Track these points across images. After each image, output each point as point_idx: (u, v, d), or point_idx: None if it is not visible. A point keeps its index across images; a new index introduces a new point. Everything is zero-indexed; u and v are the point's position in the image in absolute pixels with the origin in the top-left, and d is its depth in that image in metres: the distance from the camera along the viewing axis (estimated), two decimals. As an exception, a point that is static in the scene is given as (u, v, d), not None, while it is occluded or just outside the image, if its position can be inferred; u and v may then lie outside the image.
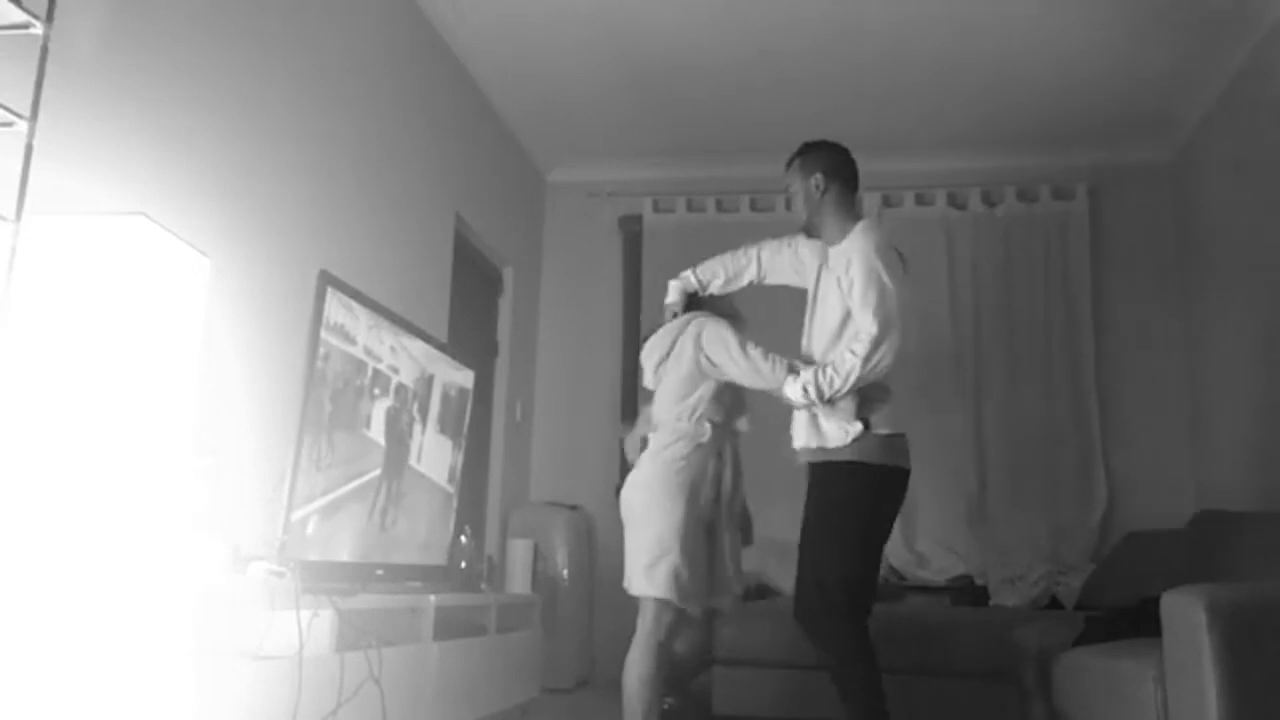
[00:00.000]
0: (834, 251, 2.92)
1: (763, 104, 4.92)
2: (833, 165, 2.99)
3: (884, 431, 2.79)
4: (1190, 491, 4.81)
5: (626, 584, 2.87)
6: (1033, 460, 5.03)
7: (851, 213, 3.01)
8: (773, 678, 3.94)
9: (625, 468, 5.53)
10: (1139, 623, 2.70)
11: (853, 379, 2.72)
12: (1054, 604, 4.44)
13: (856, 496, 2.77)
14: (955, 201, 5.36)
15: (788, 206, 3.10)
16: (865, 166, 5.35)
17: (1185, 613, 2.05)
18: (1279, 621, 2.02)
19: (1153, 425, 5.04)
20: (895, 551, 4.91)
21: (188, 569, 2.13)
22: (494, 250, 5.12)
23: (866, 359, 2.72)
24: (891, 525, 2.91)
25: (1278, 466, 4.04)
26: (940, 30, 4.23)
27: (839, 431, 2.79)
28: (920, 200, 5.38)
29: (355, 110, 3.63)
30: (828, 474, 2.82)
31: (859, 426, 2.76)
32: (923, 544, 4.98)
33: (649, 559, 2.82)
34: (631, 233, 5.67)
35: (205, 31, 2.80)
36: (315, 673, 2.23)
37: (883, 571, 4.73)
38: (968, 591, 4.64)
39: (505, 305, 5.32)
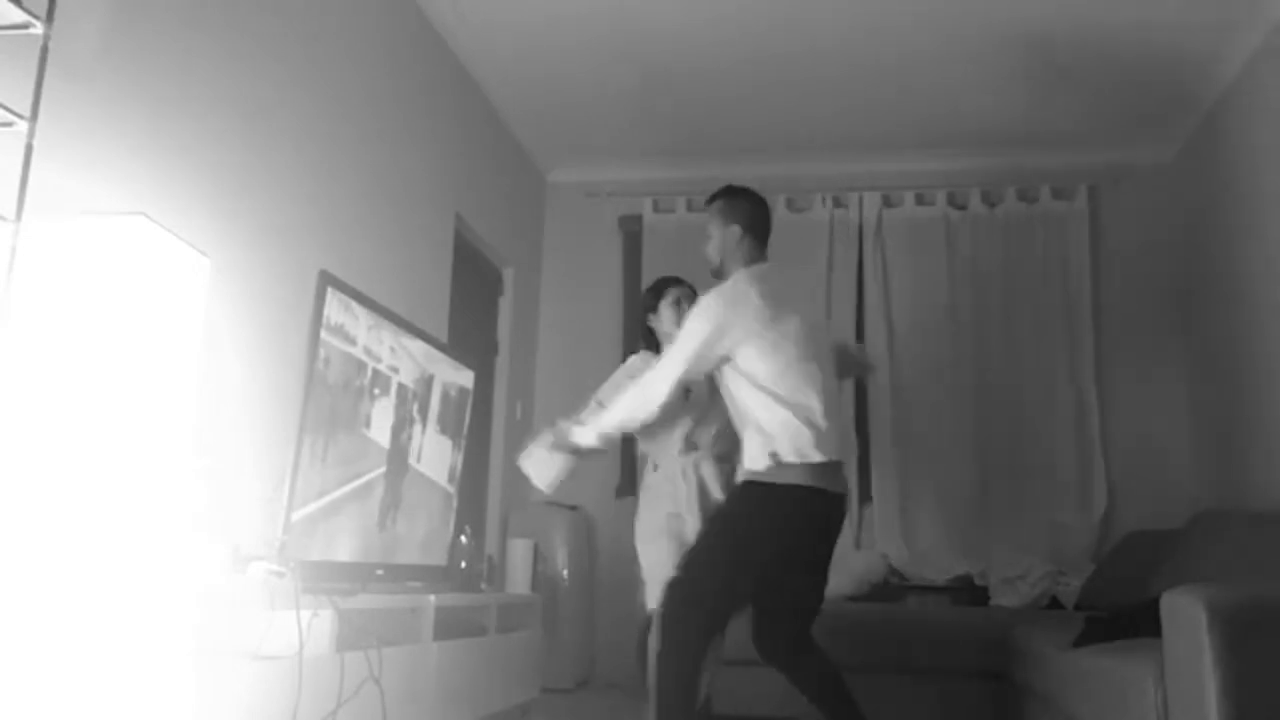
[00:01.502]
0: None
1: (763, 104, 4.92)
2: (751, 219, 2.96)
3: (792, 460, 2.71)
4: (1190, 491, 4.81)
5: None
6: (1033, 460, 5.03)
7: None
8: (773, 678, 3.93)
9: (626, 468, 5.55)
10: (1139, 623, 2.70)
11: (616, 425, 2.91)
12: (1054, 604, 4.44)
13: (750, 514, 2.76)
14: (955, 201, 5.36)
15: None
16: (865, 166, 5.45)
17: (1185, 613, 2.05)
18: (1279, 621, 2.02)
19: (1153, 425, 5.04)
20: (895, 551, 4.91)
21: (188, 569, 2.13)
22: (494, 250, 5.12)
23: (622, 409, 2.89)
24: (806, 547, 2.82)
25: (1277, 466, 4.04)
26: (941, 30, 4.23)
27: (757, 457, 2.78)
28: (920, 200, 5.38)
29: (355, 110, 3.63)
30: (740, 489, 2.83)
31: (769, 458, 2.74)
32: (923, 544, 4.98)
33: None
34: (631, 233, 5.67)
35: (205, 32, 2.80)
36: (315, 673, 2.23)
37: (883, 571, 4.75)
38: (968, 591, 4.64)
39: (505, 305, 5.32)
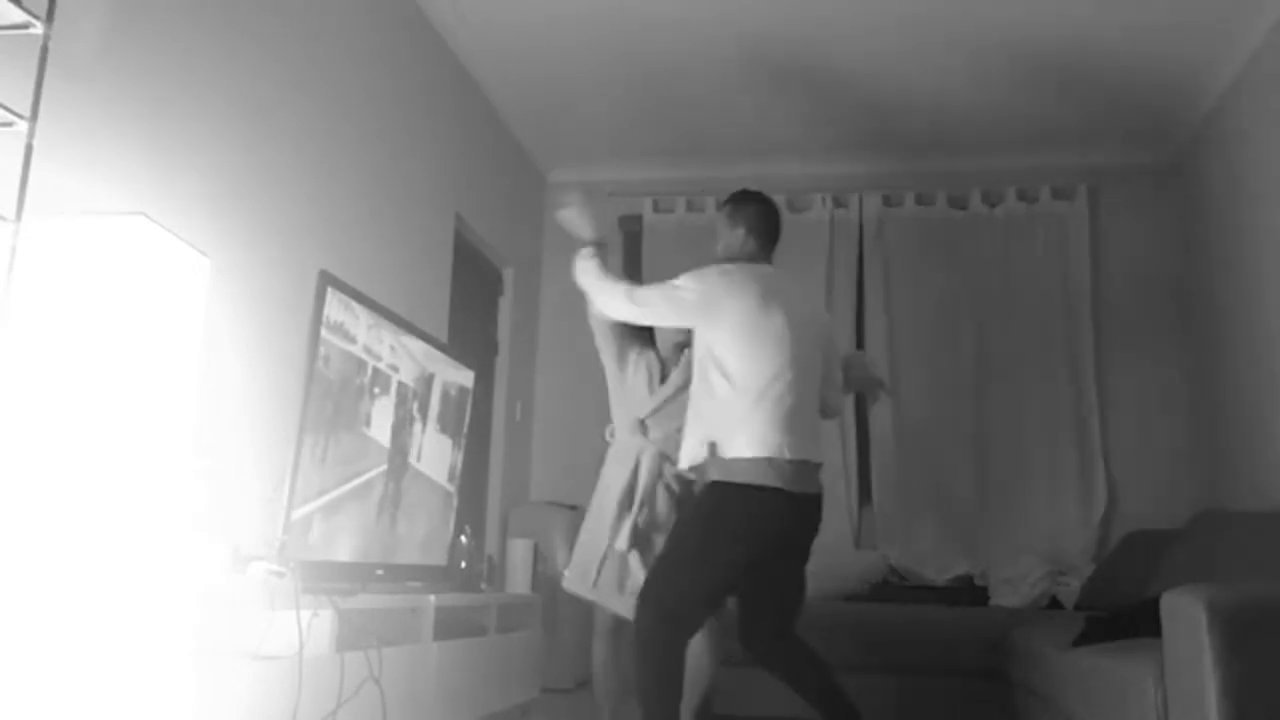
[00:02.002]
0: None
1: (763, 104, 4.92)
2: (756, 222, 3.01)
3: (744, 456, 2.71)
4: (1190, 491, 4.81)
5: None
6: (1033, 460, 5.03)
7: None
8: (773, 678, 3.93)
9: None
10: (1139, 623, 2.69)
11: (587, 284, 2.96)
12: (1054, 604, 4.44)
13: (710, 515, 2.75)
14: (955, 201, 5.36)
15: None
16: (866, 167, 5.45)
17: (1185, 613, 2.05)
18: (1279, 621, 2.02)
19: (1153, 425, 5.04)
20: (895, 551, 4.91)
21: (188, 569, 2.13)
22: (494, 250, 5.12)
23: (597, 287, 2.93)
24: (770, 548, 2.79)
25: (1277, 466, 4.04)
26: (940, 31, 4.23)
27: (696, 449, 2.79)
28: (920, 200, 5.38)
29: (355, 110, 3.63)
30: (704, 490, 2.80)
31: (708, 449, 2.75)
32: (923, 544, 4.98)
33: None
34: (631, 233, 5.67)
35: (205, 32, 2.80)
36: (315, 673, 2.23)
37: (883, 571, 4.75)
38: (967, 591, 4.64)
39: (505, 305, 5.32)
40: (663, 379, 3.14)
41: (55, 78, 1.95)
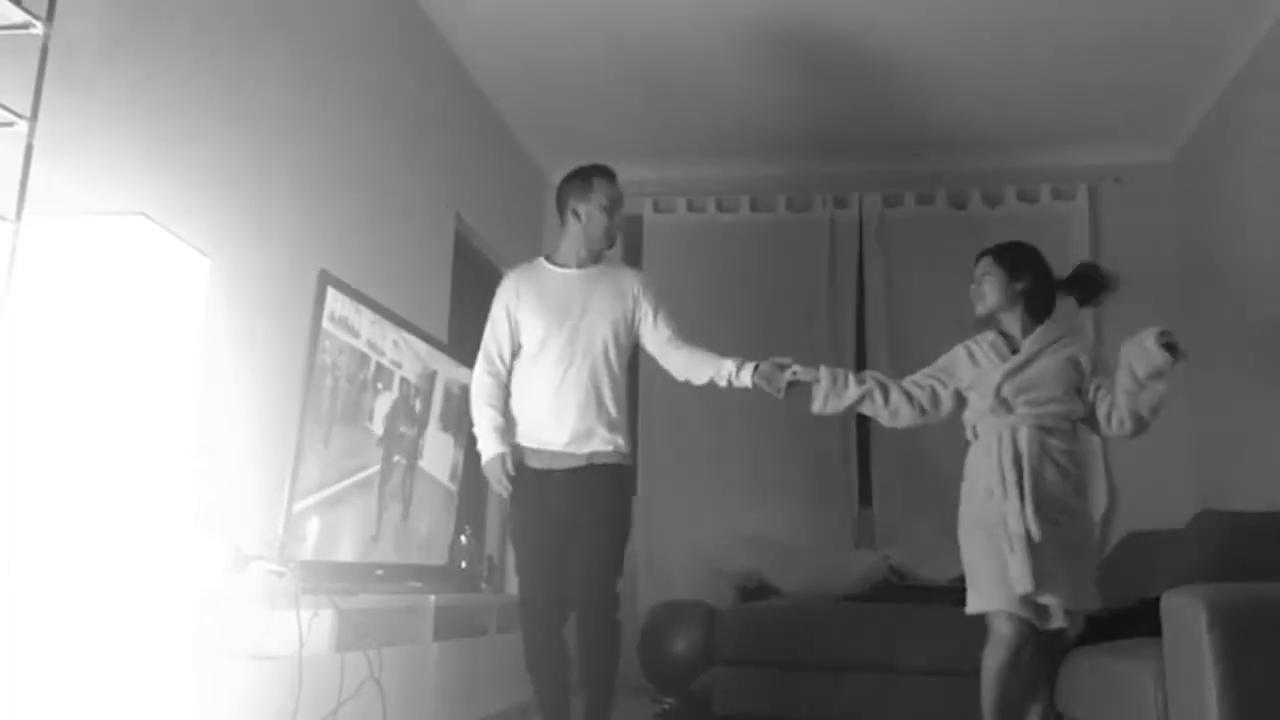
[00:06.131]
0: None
1: (762, 104, 4.92)
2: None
3: None
4: (1190, 491, 4.80)
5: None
6: (1033, 460, 5.03)
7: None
8: (773, 678, 3.94)
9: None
10: (1139, 623, 2.70)
11: None
12: (1054, 604, 4.43)
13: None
14: (955, 201, 5.36)
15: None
16: (866, 167, 5.44)
17: (1185, 613, 2.05)
18: (1279, 621, 2.02)
19: (1153, 425, 5.02)
20: (896, 551, 4.90)
21: (188, 569, 2.13)
22: (494, 250, 5.12)
23: None
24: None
25: (1277, 466, 4.04)
26: (940, 31, 4.23)
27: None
28: (920, 200, 5.38)
29: (355, 110, 3.63)
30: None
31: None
32: (923, 544, 4.97)
33: None
34: (631, 233, 5.67)
35: (205, 32, 2.80)
36: (315, 673, 2.23)
37: (883, 571, 4.75)
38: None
39: (505, 305, 5.31)
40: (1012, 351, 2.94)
41: (55, 78, 1.95)
